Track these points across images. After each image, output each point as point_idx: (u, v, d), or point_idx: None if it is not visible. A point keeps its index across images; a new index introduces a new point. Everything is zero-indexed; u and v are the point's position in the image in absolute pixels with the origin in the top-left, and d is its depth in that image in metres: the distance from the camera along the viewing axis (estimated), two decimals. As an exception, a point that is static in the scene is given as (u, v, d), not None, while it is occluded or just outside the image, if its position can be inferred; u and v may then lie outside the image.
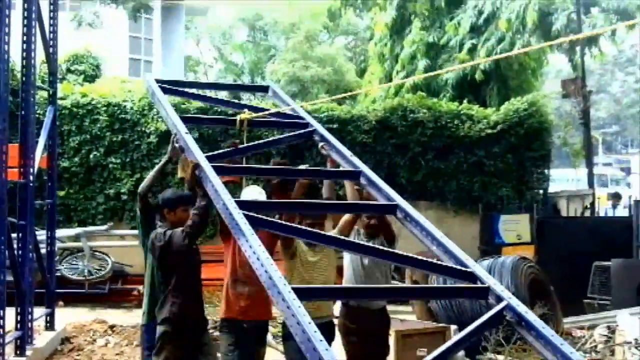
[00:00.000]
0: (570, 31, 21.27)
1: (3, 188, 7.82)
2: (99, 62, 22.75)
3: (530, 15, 21.23)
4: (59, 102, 14.06)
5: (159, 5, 27.84)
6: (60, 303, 13.30)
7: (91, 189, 16.28)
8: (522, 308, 4.18)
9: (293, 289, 4.04)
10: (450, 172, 17.35)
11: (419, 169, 17.28)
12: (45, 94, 12.97)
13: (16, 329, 9.28)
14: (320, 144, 6.44)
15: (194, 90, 8.12)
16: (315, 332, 3.70)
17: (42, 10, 10.21)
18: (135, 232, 15.87)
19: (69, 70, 21.29)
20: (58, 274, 13.06)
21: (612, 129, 60.69)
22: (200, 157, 5.70)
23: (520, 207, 17.40)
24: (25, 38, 9.45)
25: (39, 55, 10.05)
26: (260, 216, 4.93)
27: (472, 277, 4.66)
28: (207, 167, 5.50)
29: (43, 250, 11.08)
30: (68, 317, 12.45)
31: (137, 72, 27.09)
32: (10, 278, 8.56)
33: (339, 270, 7.50)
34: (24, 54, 9.48)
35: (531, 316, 4.13)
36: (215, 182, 5.26)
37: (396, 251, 5.38)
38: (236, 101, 7.31)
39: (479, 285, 4.56)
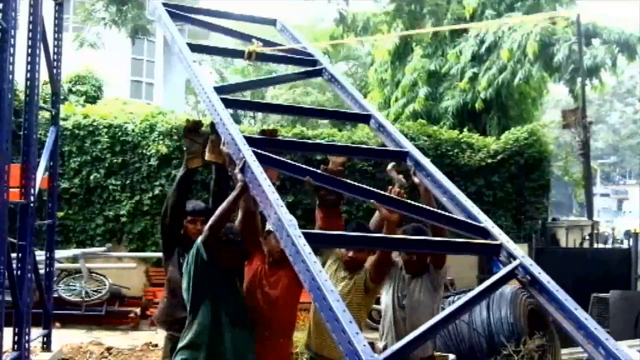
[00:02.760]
0: (572, 62, 21.37)
1: (4, 208, 7.80)
2: (101, 84, 22.82)
3: (531, 45, 21.33)
4: (61, 122, 14.09)
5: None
6: (57, 324, 13.24)
7: (90, 210, 16.26)
8: (535, 268, 3.97)
9: (303, 233, 3.80)
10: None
11: (419, 197, 17.26)
12: (47, 114, 13.00)
13: (13, 349, 9.22)
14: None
15: (201, 18, 7.50)
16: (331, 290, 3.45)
17: (46, 31, 10.23)
18: (133, 254, 16.01)
19: (70, 91, 21.34)
20: (55, 294, 13.02)
21: (610, 159, 60.81)
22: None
23: (519, 237, 17.39)
24: (29, 59, 9.46)
25: (42, 75, 10.06)
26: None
27: (484, 232, 4.41)
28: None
29: (41, 271, 11.05)
30: (65, 338, 12.41)
31: (138, 95, 27.20)
32: (8, 298, 8.52)
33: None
34: (28, 74, 9.49)
35: (544, 277, 3.92)
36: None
37: (408, 201, 4.94)
38: (245, 33, 7.00)
39: (491, 241, 4.32)
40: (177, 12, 6.98)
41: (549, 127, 24.10)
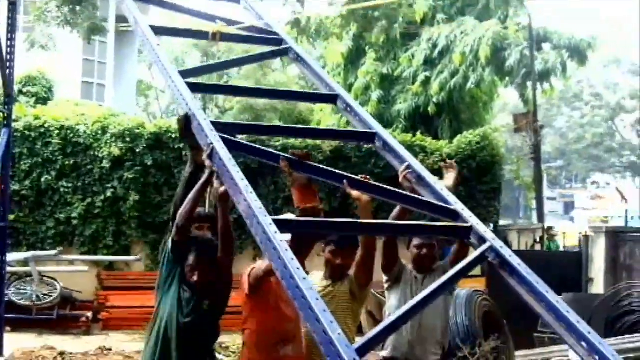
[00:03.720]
0: (523, 67, 21.62)
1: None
2: (52, 85, 22.56)
3: (484, 50, 21.52)
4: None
5: (112, 29, 27.68)
6: (8, 328, 13.03)
7: (41, 213, 16.04)
8: (505, 251, 3.94)
9: (273, 220, 3.71)
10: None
11: (372, 200, 17.30)
12: (-2, 115, 12.80)
13: (-36, 354, 9.08)
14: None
15: None
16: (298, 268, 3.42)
17: (-1, 31, 10.09)
18: (84, 257, 15.82)
19: (21, 92, 21.05)
20: (6, 298, 12.82)
21: (557, 163, 61.54)
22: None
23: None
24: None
25: (-5, 76, 9.91)
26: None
27: (455, 214, 4.35)
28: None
29: (-7, 275, 10.88)
30: (16, 343, 12.23)
31: (89, 96, 26.88)
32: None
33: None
34: (-20, 75, 9.35)
35: (515, 259, 3.90)
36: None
37: (378, 184, 4.85)
38: (209, 14, 6.88)
39: (462, 224, 4.25)
40: None
41: (500, 131, 24.33)
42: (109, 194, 16.10)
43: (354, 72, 24.89)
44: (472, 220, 4.22)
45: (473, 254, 4.02)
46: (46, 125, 16.17)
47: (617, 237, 15.56)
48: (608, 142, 56.13)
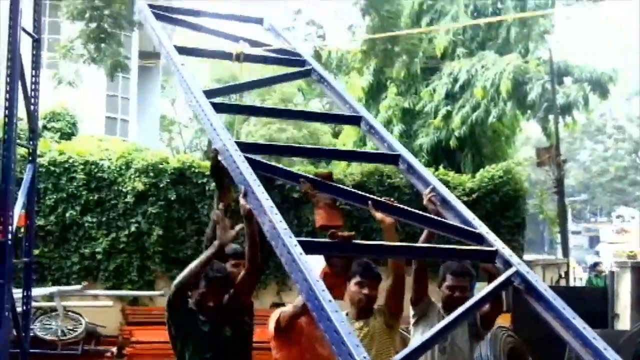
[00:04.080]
0: (545, 100, 21.61)
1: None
2: (75, 120, 22.73)
3: (505, 84, 21.55)
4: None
5: (135, 65, 27.95)
6: (32, 363, 13.07)
7: (66, 248, 16.11)
8: (532, 276, 3.88)
9: (299, 241, 3.67)
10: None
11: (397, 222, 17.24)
12: (23, 151, 12.91)
13: (-11, 390, 9.09)
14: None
15: (188, 19, 7.30)
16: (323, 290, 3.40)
17: (24, 68, 10.19)
18: (109, 292, 15.86)
19: (45, 128, 21.21)
20: (31, 333, 12.86)
21: (581, 197, 61.26)
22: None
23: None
24: (7, 96, 9.43)
25: (19, 112, 10.00)
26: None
27: (480, 238, 4.29)
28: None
29: (18, 309, 10.91)
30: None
31: (113, 131, 27.09)
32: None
33: None
34: (6, 111, 9.45)
35: (541, 285, 3.83)
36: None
37: (403, 206, 4.85)
38: (232, 34, 6.87)
39: (486, 247, 4.21)
40: (163, 14, 6.84)
41: (522, 165, 24.28)
42: (133, 228, 16.17)
43: (375, 107, 24.94)
44: (497, 244, 4.19)
45: (499, 278, 3.97)
46: (70, 161, 16.29)
47: (643, 273, 15.44)
48: (632, 175, 55.90)
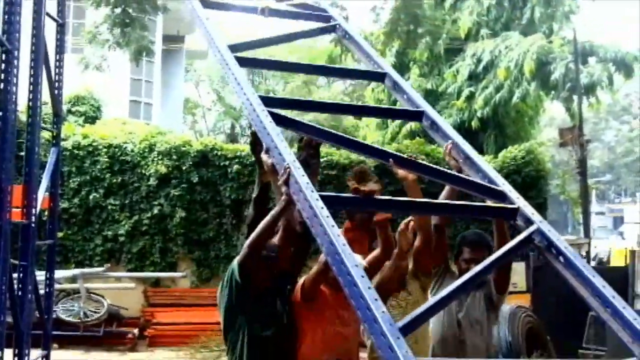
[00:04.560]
0: (569, 80, 21.49)
1: (7, 228, 7.83)
2: (100, 104, 22.89)
3: (528, 64, 21.46)
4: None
5: (159, 49, 28.04)
6: (55, 345, 13.22)
7: (89, 230, 16.26)
8: (553, 234, 3.82)
9: (320, 195, 3.67)
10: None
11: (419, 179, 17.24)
12: (47, 134, 13.02)
13: (14, 370, 9.22)
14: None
15: None
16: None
17: (48, 52, 10.28)
18: (131, 274, 16.00)
19: (69, 112, 21.38)
20: (54, 315, 13.01)
21: (605, 177, 60.90)
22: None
23: (517, 255, 17.36)
24: (32, 80, 9.51)
25: (43, 96, 10.09)
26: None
27: (502, 196, 4.24)
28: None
29: (41, 292, 11.04)
30: (63, 359, 12.40)
31: (137, 114, 27.23)
32: (9, 319, 8.52)
33: None
34: (31, 95, 9.54)
35: (562, 243, 3.79)
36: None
37: (419, 161, 4.77)
38: None
39: (508, 205, 4.15)
40: None
41: (545, 145, 24.19)
42: (155, 211, 16.29)
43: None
44: (519, 202, 4.15)
45: (520, 235, 3.94)
46: (94, 144, 16.41)
47: (665, 252, 15.38)
48: (658, 155, 55.45)
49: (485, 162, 4.60)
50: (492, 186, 4.35)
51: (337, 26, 6.17)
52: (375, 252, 5.30)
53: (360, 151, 4.88)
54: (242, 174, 16.46)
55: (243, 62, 5.10)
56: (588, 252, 19.58)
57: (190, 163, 16.45)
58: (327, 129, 4.77)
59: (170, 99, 31.32)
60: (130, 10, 16.89)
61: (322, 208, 3.58)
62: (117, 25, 16.72)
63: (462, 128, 23.22)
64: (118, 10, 16.74)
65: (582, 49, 22.32)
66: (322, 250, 3.57)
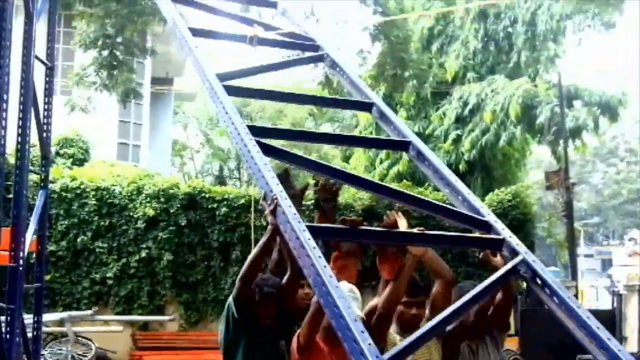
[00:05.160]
0: (554, 124, 21.68)
1: (-5, 272, 7.83)
2: (88, 146, 22.89)
3: (514, 108, 21.65)
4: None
5: (148, 91, 28.13)
6: (43, 388, 13.13)
7: (77, 273, 16.22)
8: (538, 265, 3.80)
9: (307, 226, 3.61)
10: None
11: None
12: (35, 177, 13.03)
13: (0, 414, 9.14)
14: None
15: (203, 1, 6.99)
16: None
17: (37, 95, 10.33)
18: (119, 317, 15.93)
19: (58, 154, 21.36)
20: (41, 359, 12.93)
21: (593, 220, 61.02)
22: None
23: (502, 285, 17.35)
24: (20, 122, 9.54)
25: (32, 138, 10.12)
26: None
27: (487, 226, 4.22)
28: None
29: (29, 335, 10.98)
30: (50, 402, 12.31)
31: (125, 157, 27.22)
32: (-4, 362, 8.47)
33: None
34: (19, 138, 9.56)
35: (547, 274, 3.77)
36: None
37: (407, 192, 4.62)
38: (247, 17, 6.68)
39: (494, 236, 4.13)
40: None
41: (532, 188, 24.29)
42: (143, 254, 16.27)
43: (384, 131, 25.03)
44: (504, 232, 4.13)
45: (505, 266, 3.92)
46: (82, 187, 16.42)
47: (650, 295, 15.45)
48: (644, 198, 55.68)
49: (470, 192, 4.61)
50: (477, 216, 4.33)
51: (325, 55, 6.12)
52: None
53: (353, 184, 4.87)
54: (230, 217, 16.49)
55: (231, 90, 5.07)
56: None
57: (178, 206, 16.47)
58: (317, 160, 4.77)
59: (158, 141, 31.35)
60: (118, 53, 17.01)
61: (309, 239, 3.56)
62: (104, 67, 16.83)
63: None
64: (105, 53, 16.85)
65: (567, 93, 22.57)
66: (310, 281, 3.54)
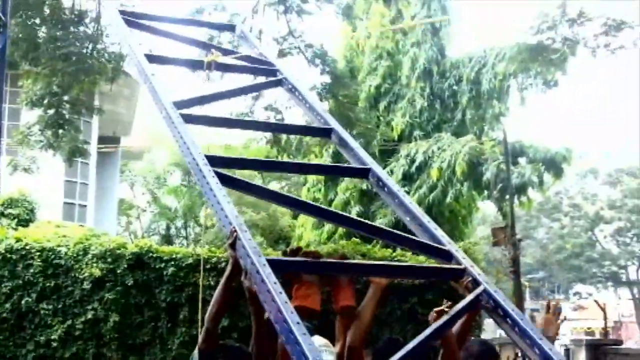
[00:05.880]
0: (500, 181, 21.96)
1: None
2: (34, 206, 22.64)
3: (460, 165, 21.91)
4: (-7, 247, 13.93)
5: (95, 150, 28.00)
6: None
7: (21, 336, 15.86)
8: (499, 295, 3.77)
9: (267, 260, 3.54)
10: (384, 320, 17.33)
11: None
12: (-21, 239, 12.86)
13: None
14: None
15: (158, 26, 6.85)
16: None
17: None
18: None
19: (2, 214, 21.09)
20: None
21: (538, 274, 61.60)
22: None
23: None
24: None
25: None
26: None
27: (448, 255, 4.17)
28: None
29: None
30: None
31: (71, 217, 26.97)
32: None
33: None
34: (-37, 200, 9.46)
35: (509, 305, 3.74)
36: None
37: (368, 222, 4.64)
38: (204, 41, 6.57)
39: (455, 266, 4.08)
40: (135, 20, 6.53)
41: (479, 244, 24.49)
42: (89, 315, 15.99)
43: (333, 189, 25.20)
44: (465, 262, 4.09)
45: (468, 297, 3.88)
46: (27, 247, 16.17)
47: (597, 350, 15.57)
48: (588, 253, 56.38)
49: (431, 221, 4.54)
50: (438, 245, 4.30)
51: (284, 80, 6.04)
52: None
53: (312, 214, 4.83)
54: (177, 277, 16.32)
55: (189, 119, 4.98)
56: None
57: (125, 266, 16.26)
58: (277, 190, 4.69)
59: (105, 200, 31.14)
60: (64, 112, 16.91)
61: (270, 274, 3.50)
62: (49, 126, 16.71)
63: (398, 228, 23.38)
64: (51, 111, 16.73)
65: (512, 150, 22.90)
66: (270, 317, 3.48)
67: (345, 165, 5.37)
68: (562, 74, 21.91)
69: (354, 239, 19.98)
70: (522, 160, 24.06)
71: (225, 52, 6.49)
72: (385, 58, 26.23)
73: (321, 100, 19.63)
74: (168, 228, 42.08)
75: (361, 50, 26.64)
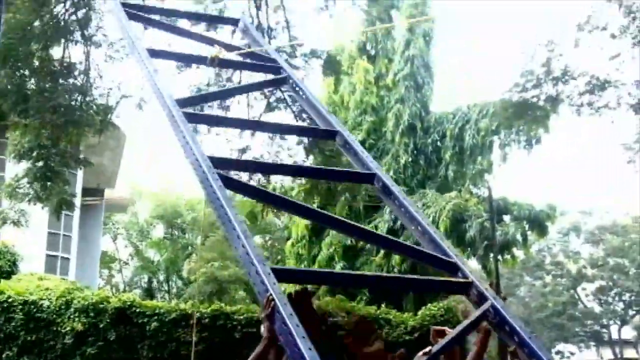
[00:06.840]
0: (484, 238, 21.98)
1: None
2: (16, 259, 22.45)
3: (444, 222, 21.93)
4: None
5: (79, 202, 27.87)
6: None
7: (1, 391, 15.71)
8: (507, 311, 3.75)
9: (272, 269, 3.51)
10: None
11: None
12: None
13: None
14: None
15: (162, 19, 6.89)
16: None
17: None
18: None
19: (-16, 267, 20.95)
20: None
21: (521, 332, 61.41)
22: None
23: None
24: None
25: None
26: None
27: (455, 267, 4.17)
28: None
29: None
30: None
31: (53, 269, 26.75)
32: None
33: None
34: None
35: (517, 322, 3.71)
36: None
37: (383, 234, 4.62)
38: (208, 36, 6.42)
39: (462, 279, 4.08)
40: (137, 13, 6.39)
41: (463, 302, 24.41)
42: (70, 370, 15.85)
43: (317, 244, 25.14)
44: (472, 275, 4.13)
45: (476, 312, 3.90)
46: (9, 300, 16.05)
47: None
48: (570, 311, 56.22)
49: (437, 231, 4.53)
50: (445, 257, 4.30)
51: (288, 78, 5.96)
52: None
53: (316, 220, 4.83)
54: (161, 332, 16.19)
55: (192, 117, 4.94)
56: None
57: (108, 320, 16.14)
58: (280, 195, 4.66)
59: (87, 253, 30.93)
60: (53, 164, 16.83)
61: (274, 284, 3.54)
62: (38, 179, 16.62)
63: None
64: (40, 164, 16.66)
65: (496, 207, 22.96)
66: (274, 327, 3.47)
67: (352, 170, 5.39)
68: (545, 131, 22.04)
69: (338, 295, 19.92)
70: (506, 218, 24.12)
71: (229, 48, 6.35)
72: (369, 113, 26.41)
73: (307, 155, 19.66)
74: (150, 281, 41.80)
75: (345, 105, 26.78)
